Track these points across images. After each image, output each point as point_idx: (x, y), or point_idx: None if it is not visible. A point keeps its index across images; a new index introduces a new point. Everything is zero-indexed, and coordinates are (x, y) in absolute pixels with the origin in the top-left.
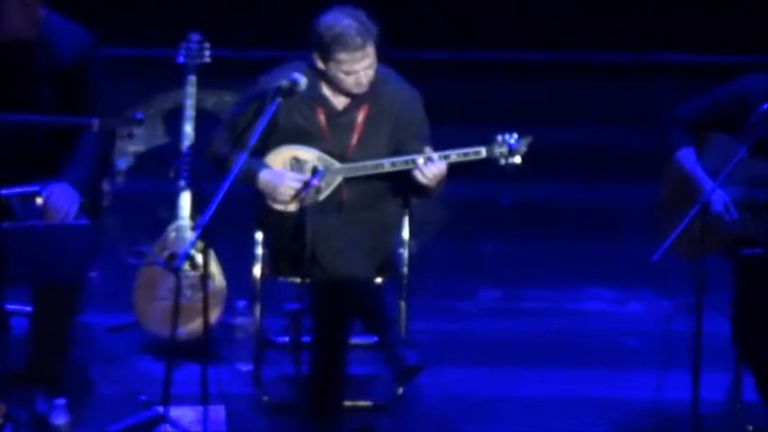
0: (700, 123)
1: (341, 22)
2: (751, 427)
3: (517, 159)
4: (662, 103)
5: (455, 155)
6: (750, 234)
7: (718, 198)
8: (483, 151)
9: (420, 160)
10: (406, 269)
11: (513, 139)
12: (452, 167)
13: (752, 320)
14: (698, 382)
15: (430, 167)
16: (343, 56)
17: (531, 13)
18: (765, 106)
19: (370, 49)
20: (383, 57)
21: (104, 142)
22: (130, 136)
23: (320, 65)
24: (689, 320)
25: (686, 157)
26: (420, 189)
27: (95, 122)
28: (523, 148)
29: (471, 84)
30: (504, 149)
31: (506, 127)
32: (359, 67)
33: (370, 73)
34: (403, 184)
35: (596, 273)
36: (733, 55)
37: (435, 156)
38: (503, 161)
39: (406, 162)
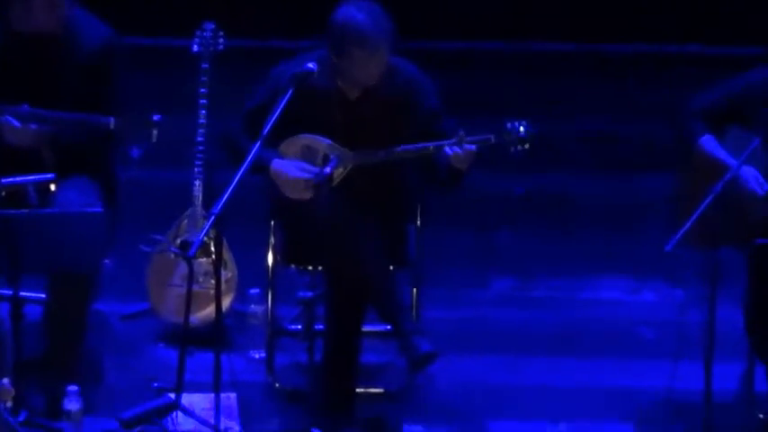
0: (715, 115)
1: (356, 18)
2: (762, 417)
3: (527, 146)
4: (676, 95)
5: (477, 141)
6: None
7: (747, 173)
8: (492, 138)
9: (431, 148)
10: (419, 258)
11: (522, 126)
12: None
13: (765, 311)
14: (710, 372)
15: (457, 152)
16: (356, 52)
17: (545, 3)
18: None
19: (384, 47)
20: (396, 47)
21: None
22: (148, 138)
23: (334, 58)
24: (702, 310)
25: (709, 143)
26: (449, 176)
27: (112, 121)
28: (533, 135)
29: (484, 74)
30: (514, 136)
31: (519, 117)
32: (372, 64)
33: (383, 67)
34: (429, 172)
35: (610, 262)
36: (747, 47)
37: (458, 140)
38: (512, 148)
39: (418, 150)
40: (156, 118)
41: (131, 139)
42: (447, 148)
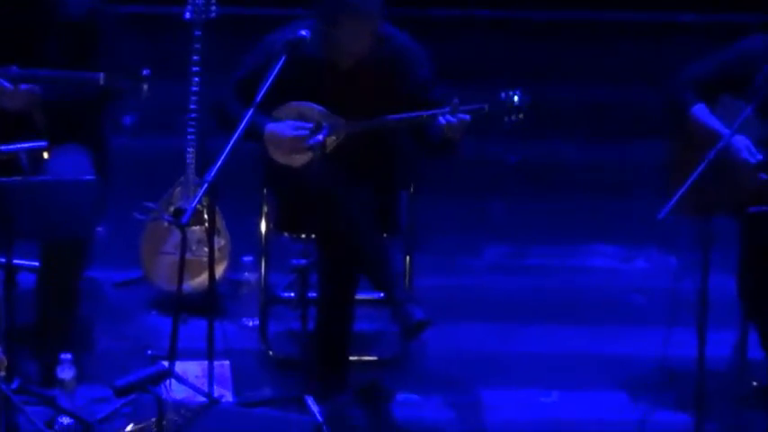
0: (707, 84)
1: None
2: (755, 384)
3: (521, 116)
4: (669, 63)
5: (469, 110)
6: (761, 194)
7: (739, 141)
8: (486, 107)
9: (424, 117)
10: (412, 225)
11: (516, 95)
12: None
13: (758, 277)
14: (703, 339)
15: (451, 121)
16: (347, 21)
17: None
18: None
19: (375, 16)
20: (388, 16)
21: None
22: (139, 93)
23: (325, 27)
24: (695, 278)
25: (701, 111)
26: (442, 144)
27: (101, 77)
28: (527, 105)
29: (477, 42)
30: (508, 105)
31: (512, 85)
32: (362, 33)
33: (374, 36)
34: (422, 140)
35: (603, 230)
36: (740, 14)
37: (452, 108)
38: (506, 117)
39: (411, 119)
40: (145, 72)
41: (122, 94)
42: (441, 118)
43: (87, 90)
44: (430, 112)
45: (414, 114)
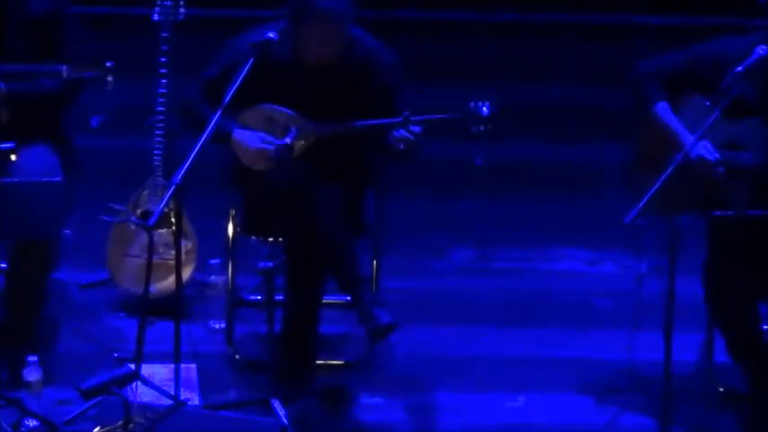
0: (674, 79)
1: None
2: (722, 388)
3: (488, 126)
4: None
5: (422, 120)
6: (726, 196)
7: (700, 146)
8: (453, 118)
9: (380, 125)
10: (378, 227)
11: (484, 107)
12: (427, 128)
13: (723, 281)
14: (670, 342)
15: (402, 134)
16: (314, 25)
17: None
18: (739, 68)
19: (343, 20)
20: (357, 19)
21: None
22: (103, 84)
23: (293, 29)
24: (661, 281)
25: (664, 111)
26: (398, 152)
27: (64, 69)
28: (494, 116)
29: (445, 43)
30: (475, 116)
31: (481, 86)
32: (329, 37)
33: (341, 40)
34: (379, 147)
35: (569, 233)
36: (704, 17)
37: (403, 120)
38: (473, 128)
39: (376, 125)
40: (109, 64)
41: (86, 86)
42: (394, 131)
43: (51, 84)
44: (384, 121)
45: (372, 122)
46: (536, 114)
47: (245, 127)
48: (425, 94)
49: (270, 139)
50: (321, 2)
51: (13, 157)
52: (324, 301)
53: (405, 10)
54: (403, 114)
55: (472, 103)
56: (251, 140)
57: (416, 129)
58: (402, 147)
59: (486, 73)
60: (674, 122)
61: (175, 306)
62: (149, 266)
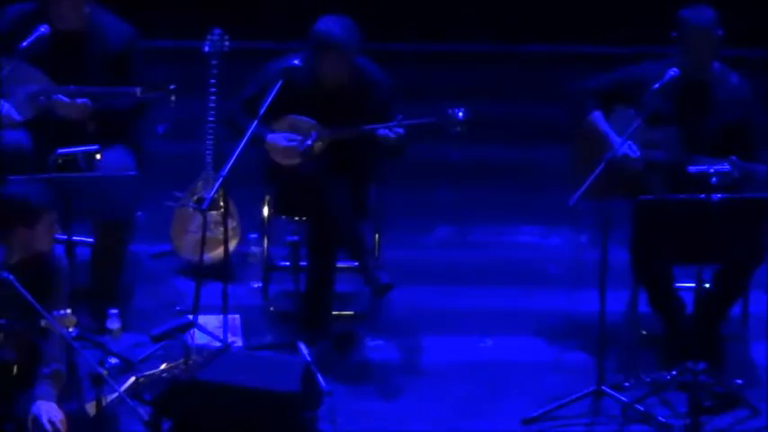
0: (605, 95)
1: (327, 28)
2: (644, 332)
3: (464, 128)
4: (573, 84)
5: (411, 124)
6: (646, 185)
7: (626, 146)
8: (434, 121)
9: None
10: (379, 210)
11: (460, 112)
12: (415, 134)
13: (645, 251)
14: (603, 297)
15: (394, 133)
16: (325, 56)
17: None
18: (656, 86)
19: (348, 53)
20: (362, 51)
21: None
22: (167, 102)
23: (312, 58)
24: (597, 250)
25: (599, 119)
26: (388, 150)
27: (138, 90)
28: (467, 120)
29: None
30: (452, 120)
31: (454, 103)
32: (338, 65)
33: (348, 68)
34: (376, 147)
35: (526, 214)
36: (630, 47)
37: (396, 125)
38: (450, 129)
39: (378, 128)
40: (172, 87)
41: (154, 103)
42: (380, 131)
43: (127, 101)
44: (384, 125)
45: (378, 126)
46: (501, 125)
47: (274, 132)
48: (415, 108)
49: (295, 137)
50: (334, 38)
51: (98, 157)
52: (337, 266)
53: (399, 43)
54: (396, 118)
55: (450, 110)
56: (280, 141)
57: (399, 131)
58: (386, 142)
59: (464, 93)
60: (606, 128)
61: (223, 270)
62: (203, 240)
